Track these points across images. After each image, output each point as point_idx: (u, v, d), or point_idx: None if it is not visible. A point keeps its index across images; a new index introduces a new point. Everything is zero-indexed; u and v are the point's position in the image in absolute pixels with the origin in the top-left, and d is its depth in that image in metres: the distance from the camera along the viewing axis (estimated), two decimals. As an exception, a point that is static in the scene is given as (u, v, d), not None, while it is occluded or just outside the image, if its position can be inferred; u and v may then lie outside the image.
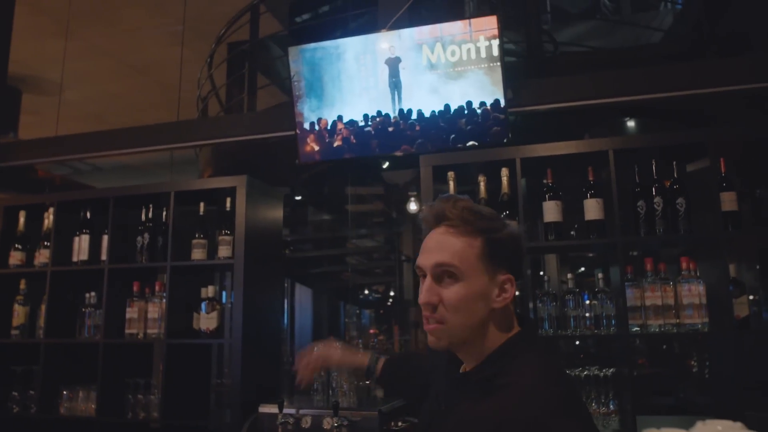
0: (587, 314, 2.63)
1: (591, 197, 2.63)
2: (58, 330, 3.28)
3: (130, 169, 8.08)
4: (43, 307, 3.32)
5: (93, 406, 3.09)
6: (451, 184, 2.76)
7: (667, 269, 2.57)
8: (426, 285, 1.29)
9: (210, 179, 3.20)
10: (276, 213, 3.37)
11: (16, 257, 3.45)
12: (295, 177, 5.30)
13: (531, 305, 2.64)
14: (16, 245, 3.46)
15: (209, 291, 3.04)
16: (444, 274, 1.28)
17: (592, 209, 2.61)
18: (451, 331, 1.28)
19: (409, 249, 5.94)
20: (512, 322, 1.34)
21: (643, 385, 2.94)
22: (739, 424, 0.80)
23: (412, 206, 5.44)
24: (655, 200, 2.55)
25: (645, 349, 3.49)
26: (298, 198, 5.83)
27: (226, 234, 3.00)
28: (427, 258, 1.31)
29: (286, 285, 5.57)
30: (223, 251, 2.99)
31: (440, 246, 1.30)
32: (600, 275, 2.65)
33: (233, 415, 2.82)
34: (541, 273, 3.42)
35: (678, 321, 2.49)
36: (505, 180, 2.69)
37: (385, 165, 4.83)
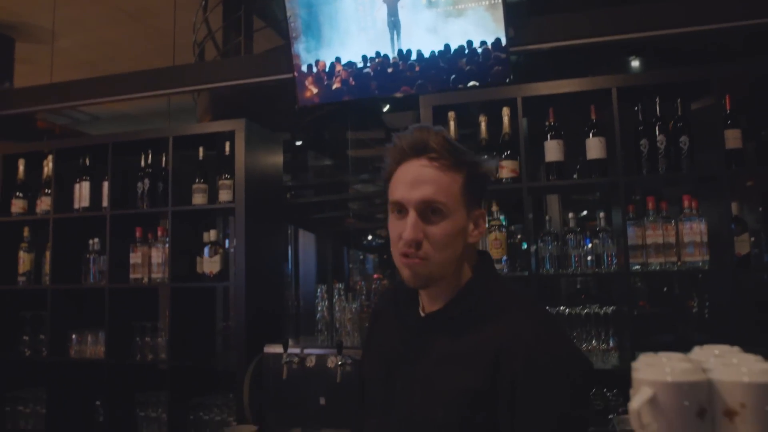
0: (589, 255, 2.65)
1: (593, 136, 2.60)
2: (64, 276, 3.32)
3: (129, 118, 8.01)
4: (48, 254, 3.35)
5: (102, 348, 3.16)
6: (452, 124, 2.73)
7: (669, 208, 2.57)
8: (411, 221, 1.23)
9: (208, 123, 3.18)
10: (276, 157, 3.35)
11: (17, 205, 3.46)
12: (295, 122, 5.24)
13: (533, 247, 2.65)
14: (17, 193, 3.47)
15: (211, 235, 3.05)
16: (430, 210, 1.23)
17: (595, 148, 2.59)
18: (432, 268, 1.25)
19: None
20: (474, 255, 1.35)
21: (643, 324, 2.96)
22: (736, 348, 0.81)
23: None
24: (658, 139, 2.53)
25: (645, 289, 3.52)
26: (299, 143, 5.78)
27: (226, 178, 2.99)
28: (410, 192, 1.24)
29: (289, 231, 5.59)
30: (224, 195, 2.99)
31: (426, 180, 1.24)
32: (602, 214, 2.65)
33: (239, 355, 2.88)
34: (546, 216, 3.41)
35: (679, 259, 2.51)
36: (506, 120, 2.66)
37: (386, 108, 4.77)
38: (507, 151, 2.63)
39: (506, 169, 2.62)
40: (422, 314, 1.35)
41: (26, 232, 3.44)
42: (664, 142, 2.52)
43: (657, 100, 2.57)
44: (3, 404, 3.35)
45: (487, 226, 2.62)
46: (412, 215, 1.23)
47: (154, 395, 3.11)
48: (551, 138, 2.64)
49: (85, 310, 3.33)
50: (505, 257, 2.62)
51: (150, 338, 3.14)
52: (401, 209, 1.26)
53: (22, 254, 3.42)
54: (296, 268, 5.67)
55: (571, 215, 2.69)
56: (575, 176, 2.74)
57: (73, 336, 3.26)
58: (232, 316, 3.13)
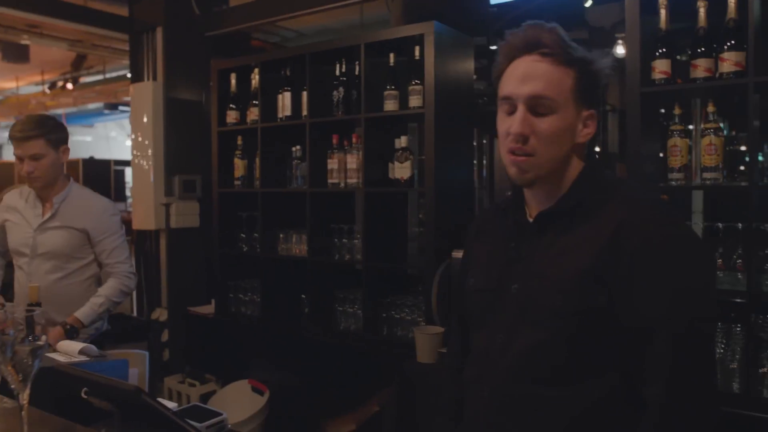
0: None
1: None
2: (272, 181, 3.62)
3: (329, 32, 8.28)
4: (258, 161, 3.66)
5: (305, 247, 3.43)
6: (663, 14, 2.38)
7: None
8: (519, 115, 1.23)
9: (398, 28, 3.14)
10: (467, 62, 3.24)
11: (231, 116, 3.79)
12: (490, 26, 5.02)
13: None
14: (231, 105, 3.79)
15: (402, 141, 3.09)
16: (539, 105, 1.23)
17: None
18: (540, 164, 1.25)
19: (614, 99, 5.46)
20: (582, 157, 1.34)
21: None
22: None
23: (620, 50, 4.91)
24: None
25: None
26: (494, 48, 5.55)
27: (416, 84, 2.97)
28: (520, 87, 1.23)
29: (484, 141, 5.50)
30: (414, 101, 2.98)
31: (536, 75, 1.23)
32: None
33: (428, 260, 2.94)
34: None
35: None
36: (732, 2, 2.26)
37: (588, 2, 4.35)
38: (731, 40, 2.24)
39: (728, 62, 2.24)
40: (530, 218, 1.34)
41: (239, 141, 3.77)
42: None
43: None
44: (227, 291, 3.83)
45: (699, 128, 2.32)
46: (520, 110, 1.23)
47: (351, 292, 3.33)
48: (792, 22, 2.20)
49: (290, 212, 3.61)
50: (720, 165, 2.30)
51: (347, 240, 3.34)
52: (510, 105, 1.25)
53: (236, 161, 3.78)
54: (491, 176, 5.60)
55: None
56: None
57: (281, 235, 3.58)
58: (422, 221, 3.19)
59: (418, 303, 3.12)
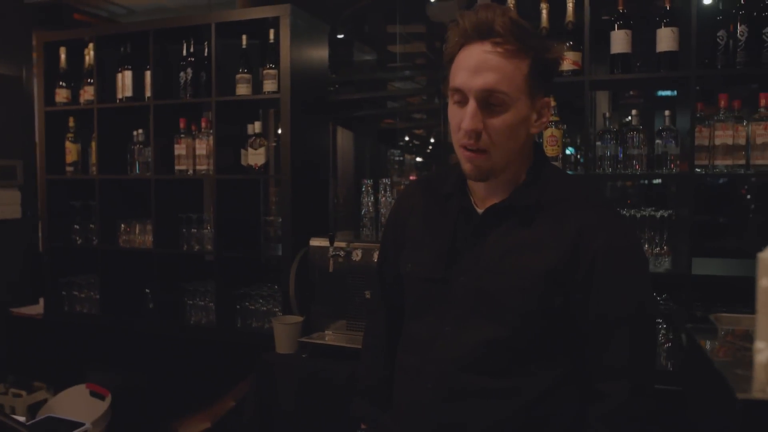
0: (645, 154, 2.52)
1: (665, 26, 2.40)
2: (110, 167, 3.33)
3: (166, 11, 7.79)
4: (94, 145, 3.35)
5: (150, 238, 3.21)
6: (544, 13, 2.51)
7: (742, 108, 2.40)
8: (470, 111, 1.17)
9: (252, 9, 3.03)
10: (321, 48, 3.22)
11: (61, 95, 3.42)
12: (337, 14, 5.03)
13: (596, 144, 2.53)
14: (60, 83, 3.42)
15: (256, 127, 3.00)
16: (491, 98, 1.16)
17: (666, 39, 2.39)
18: (494, 160, 1.20)
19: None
20: (531, 145, 1.31)
21: (702, 229, 2.85)
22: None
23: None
24: (739, 30, 2.31)
25: (708, 194, 3.38)
26: (340, 36, 5.57)
27: (270, 68, 2.89)
28: (472, 80, 1.16)
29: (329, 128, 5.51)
30: (269, 86, 2.90)
31: (488, 67, 1.15)
32: (667, 112, 2.50)
33: (284, 248, 2.89)
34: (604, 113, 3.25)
35: (748, 163, 2.36)
36: (570, 6, 2.46)
37: (433, -1, 4.51)
38: (570, 41, 2.45)
39: (568, 60, 2.45)
40: (477, 207, 1.30)
41: (71, 122, 3.42)
42: (745, 34, 2.30)
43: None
44: (59, 288, 3.47)
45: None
46: (471, 104, 1.17)
47: (201, 285, 3.18)
48: (619, 28, 2.44)
49: (132, 201, 3.36)
50: (560, 156, 2.51)
51: (196, 229, 3.18)
52: (461, 97, 1.19)
53: (68, 144, 3.42)
54: (335, 165, 5.62)
55: (634, 112, 2.54)
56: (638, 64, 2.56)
57: (122, 225, 3.32)
58: (277, 209, 3.13)
59: (273, 293, 3.06)
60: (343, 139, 6.39)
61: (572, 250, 1.18)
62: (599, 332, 1.20)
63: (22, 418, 1.20)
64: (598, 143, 2.53)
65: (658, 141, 2.50)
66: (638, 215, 2.55)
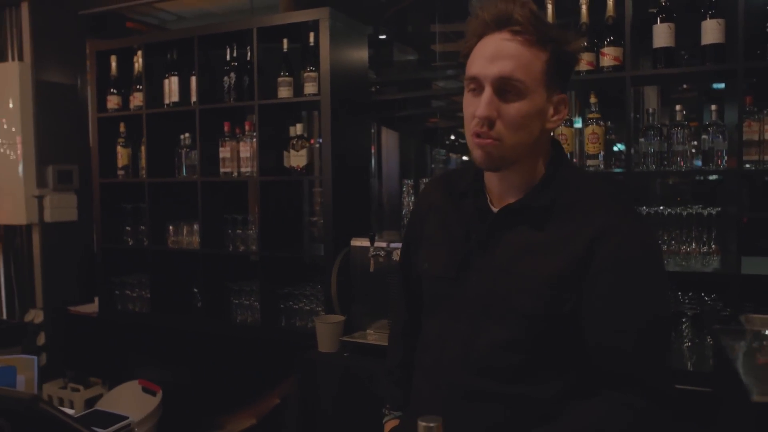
0: (694, 151, 2.45)
1: (711, 18, 2.33)
2: (159, 170, 3.44)
3: (212, 17, 7.99)
4: (143, 149, 3.47)
5: (197, 239, 3.30)
6: (549, 8, 2.50)
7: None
8: (486, 98, 1.15)
9: (291, 13, 3.07)
10: (361, 50, 3.25)
11: (113, 101, 3.56)
12: (378, 15, 5.05)
13: (639, 141, 2.48)
14: (112, 90, 3.56)
15: (297, 129, 3.04)
16: (507, 86, 1.15)
17: (711, 32, 2.32)
18: (506, 150, 1.18)
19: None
20: (550, 143, 1.28)
21: (754, 227, 2.74)
22: None
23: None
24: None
25: (761, 190, 3.24)
26: (382, 37, 5.59)
27: (311, 71, 2.93)
28: (488, 67, 1.15)
29: (372, 130, 5.54)
30: (309, 88, 2.94)
31: (506, 54, 1.14)
32: (713, 107, 2.42)
33: (326, 248, 2.93)
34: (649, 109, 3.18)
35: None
36: (611, 0, 2.42)
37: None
38: (610, 36, 2.41)
39: (608, 56, 2.40)
40: (492, 207, 1.28)
41: (122, 128, 3.55)
42: (794, 23, 2.22)
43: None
44: (112, 288, 3.61)
45: (575, 117, 2.47)
46: (487, 91, 1.15)
47: (246, 284, 3.25)
48: (661, 21, 2.38)
49: (180, 203, 3.46)
50: (602, 153, 2.47)
51: (241, 230, 3.25)
52: (477, 85, 1.18)
53: (119, 149, 3.56)
54: (379, 165, 5.65)
55: (678, 107, 2.47)
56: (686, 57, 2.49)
57: (170, 227, 3.42)
58: (319, 210, 3.17)
59: (316, 293, 3.10)
60: (388, 139, 6.42)
61: (585, 254, 1.15)
62: (610, 340, 1.16)
63: (71, 411, 1.27)
64: (642, 140, 2.48)
65: (704, 136, 2.42)
66: (684, 213, 2.48)
